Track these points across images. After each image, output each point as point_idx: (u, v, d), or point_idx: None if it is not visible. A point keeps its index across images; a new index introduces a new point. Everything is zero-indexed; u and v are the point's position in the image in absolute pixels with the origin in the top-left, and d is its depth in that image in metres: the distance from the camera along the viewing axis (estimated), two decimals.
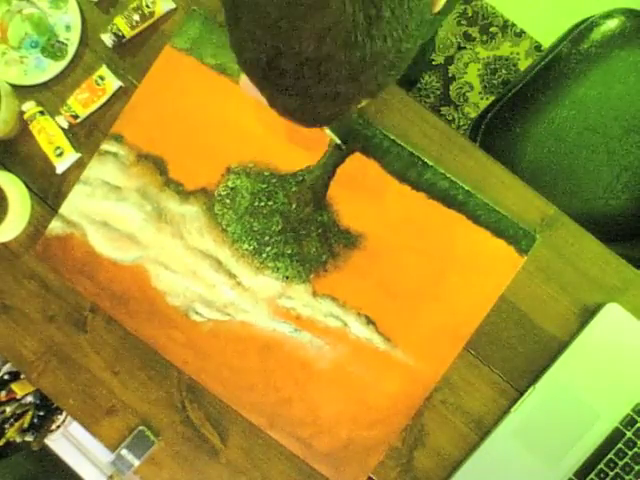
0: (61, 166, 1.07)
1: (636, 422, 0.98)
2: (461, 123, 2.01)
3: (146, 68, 1.06)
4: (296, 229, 1.03)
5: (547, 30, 1.35)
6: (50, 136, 1.06)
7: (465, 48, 2.10)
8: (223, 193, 1.04)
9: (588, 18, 1.27)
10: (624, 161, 1.26)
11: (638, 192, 1.27)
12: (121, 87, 1.07)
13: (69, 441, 1.46)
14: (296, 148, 1.02)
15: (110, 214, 1.06)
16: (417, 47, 0.55)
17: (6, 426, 1.36)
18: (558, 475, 0.99)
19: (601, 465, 0.98)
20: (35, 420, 1.40)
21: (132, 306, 1.06)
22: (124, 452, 1.08)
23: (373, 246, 1.01)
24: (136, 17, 1.04)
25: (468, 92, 2.05)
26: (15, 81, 1.08)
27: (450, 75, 2.11)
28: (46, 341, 1.10)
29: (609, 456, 0.98)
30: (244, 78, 0.93)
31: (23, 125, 1.08)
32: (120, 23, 1.04)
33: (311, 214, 1.02)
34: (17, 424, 1.36)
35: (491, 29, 2.01)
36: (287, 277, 1.03)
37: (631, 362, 0.99)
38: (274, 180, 1.03)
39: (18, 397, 1.38)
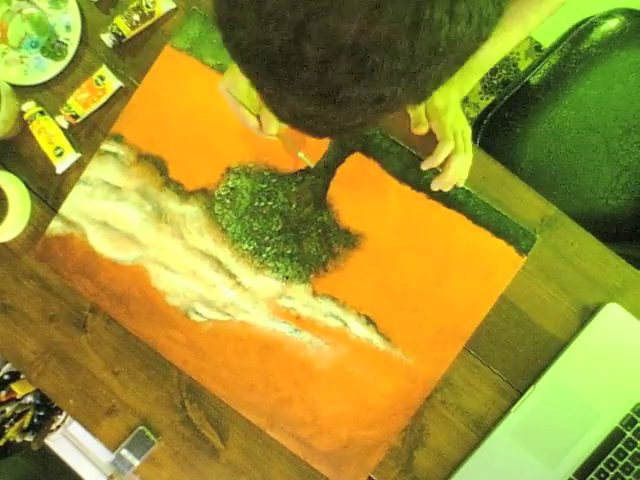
0: (61, 166, 1.07)
1: (636, 422, 0.98)
2: None
3: (146, 68, 1.06)
4: (296, 229, 1.03)
5: (547, 30, 1.35)
6: (50, 136, 1.06)
7: None
8: (223, 193, 1.04)
9: (588, 18, 1.27)
10: (624, 161, 1.26)
11: (638, 192, 1.27)
12: (121, 87, 1.07)
13: (69, 441, 1.47)
14: (296, 148, 1.02)
15: (110, 214, 1.06)
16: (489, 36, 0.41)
17: (6, 426, 1.36)
18: (558, 475, 0.99)
19: (601, 465, 0.98)
20: (35, 420, 1.41)
21: (132, 306, 1.06)
22: (124, 452, 1.08)
23: (373, 246, 1.01)
24: (136, 17, 1.04)
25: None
26: (15, 81, 1.08)
27: None
28: (46, 341, 1.10)
29: (609, 456, 0.98)
30: (228, 77, 0.89)
31: (23, 125, 1.08)
32: (120, 23, 1.04)
33: (311, 214, 1.02)
34: (17, 424, 1.36)
35: None
36: (287, 277, 1.03)
37: (631, 362, 0.99)
38: (274, 180, 1.03)
39: (18, 397, 1.38)
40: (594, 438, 0.99)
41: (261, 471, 1.07)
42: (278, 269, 1.03)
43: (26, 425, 1.38)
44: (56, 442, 1.45)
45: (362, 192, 1.01)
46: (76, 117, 1.06)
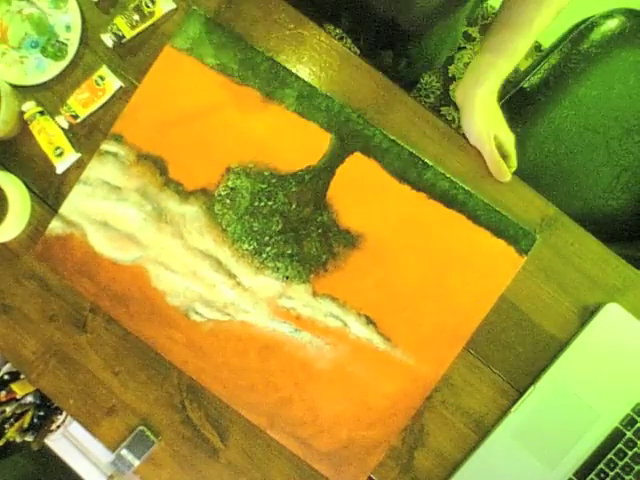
0: (61, 166, 1.07)
1: (636, 422, 0.98)
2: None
3: (146, 68, 1.06)
4: (296, 229, 1.03)
5: (547, 30, 1.35)
6: (50, 136, 1.06)
7: (465, 48, 2.10)
8: (223, 193, 1.04)
9: (588, 18, 1.28)
10: (624, 161, 1.26)
11: (638, 192, 1.27)
12: (121, 87, 1.07)
13: (69, 441, 1.47)
14: (296, 148, 1.03)
15: (110, 214, 1.06)
16: None
17: (6, 426, 1.36)
18: (558, 475, 0.99)
19: (601, 465, 0.98)
20: (35, 420, 1.41)
21: (132, 306, 1.06)
22: (124, 452, 1.08)
23: (373, 246, 1.01)
24: (136, 17, 1.04)
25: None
26: (15, 81, 1.08)
27: (450, 75, 2.12)
28: (46, 341, 1.10)
29: (609, 456, 0.98)
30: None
31: (23, 125, 1.08)
32: (120, 23, 1.04)
33: (311, 214, 1.02)
34: (17, 424, 1.36)
35: None
36: (287, 277, 1.03)
37: (631, 362, 0.99)
38: (274, 180, 1.03)
39: (18, 397, 1.38)
40: (594, 438, 0.99)
41: (261, 471, 1.07)
42: (278, 269, 1.03)
43: (26, 425, 1.39)
44: (56, 442, 1.45)
45: (362, 192, 1.01)
46: (76, 117, 1.06)
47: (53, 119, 1.07)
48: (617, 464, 0.98)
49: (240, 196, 1.04)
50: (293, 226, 1.03)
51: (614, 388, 0.99)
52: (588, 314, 1.00)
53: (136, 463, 1.08)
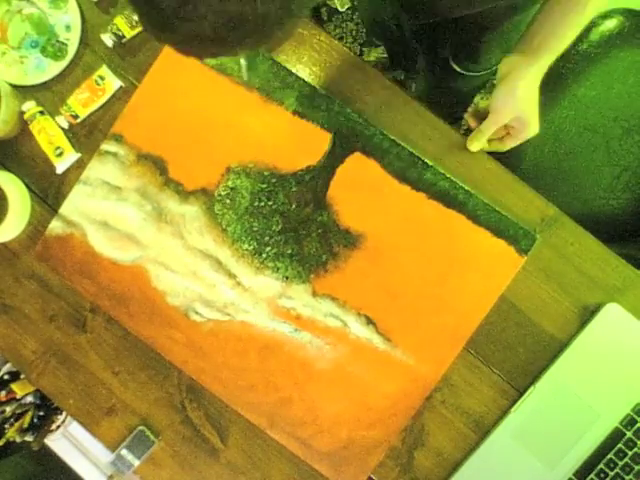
0: (61, 166, 1.07)
1: (636, 422, 0.98)
2: (461, 123, 2.01)
3: (146, 68, 1.06)
4: (296, 229, 1.03)
5: None
6: (50, 136, 1.07)
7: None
8: (223, 193, 1.04)
9: None
10: (624, 161, 1.26)
11: (638, 192, 1.27)
12: (121, 87, 1.07)
13: (69, 441, 1.47)
14: (296, 148, 1.03)
15: (110, 214, 1.06)
16: None
17: (6, 426, 1.36)
18: (558, 475, 0.99)
19: (601, 465, 0.98)
20: (35, 420, 1.41)
21: (132, 306, 1.06)
22: (124, 452, 1.08)
23: (373, 246, 1.01)
24: (136, 17, 1.04)
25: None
26: (15, 81, 1.08)
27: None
28: (46, 341, 1.10)
29: (609, 456, 0.98)
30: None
31: (23, 125, 1.08)
32: (120, 23, 1.04)
33: (311, 214, 1.02)
34: (17, 424, 1.36)
35: None
36: (287, 277, 1.03)
37: (631, 362, 0.99)
38: (274, 180, 1.03)
39: (18, 397, 1.38)
40: (594, 438, 0.99)
41: (261, 471, 1.07)
42: (278, 269, 1.03)
43: (26, 425, 1.38)
44: (56, 442, 1.45)
45: (362, 192, 1.01)
46: (76, 117, 1.06)
47: (53, 119, 1.08)
48: (617, 464, 0.98)
49: (240, 196, 1.04)
50: (293, 226, 1.03)
51: (614, 388, 0.99)
52: (588, 314, 1.00)
53: (136, 463, 1.08)
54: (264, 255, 1.03)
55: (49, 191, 1.09)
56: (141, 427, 1.08)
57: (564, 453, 0.99)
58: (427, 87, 1.69)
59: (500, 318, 1.01)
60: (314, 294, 1.03)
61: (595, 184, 1.26)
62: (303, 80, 1.03)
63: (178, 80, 1.05)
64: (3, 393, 1.37)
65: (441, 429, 1.03)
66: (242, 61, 0.92)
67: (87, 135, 1.08)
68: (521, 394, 1.00)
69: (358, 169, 1.01)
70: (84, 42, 1.08)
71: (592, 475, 0.98)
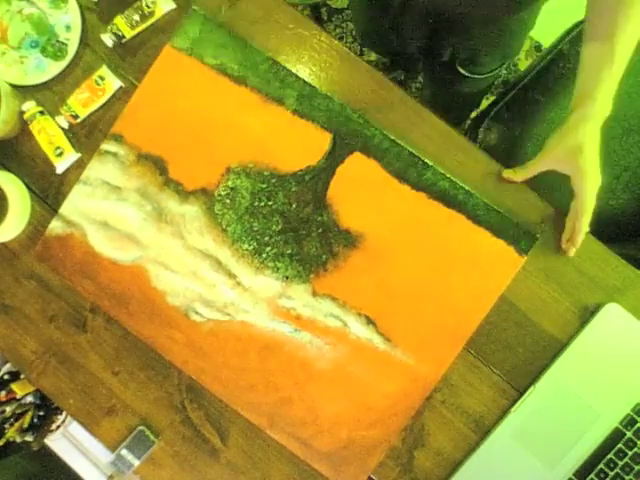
0: (61, 166, 1.07)
1: (636, 422, 0.98)
2: (464, 124, 2.01)
3: (146, 68, 1.06)
4: (296, 229, 1.03)
5: (547, 30, 1.35)
6: (50, 136, 1.07)
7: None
8: (223, 193, 1.04)
9: None
10: (624, 161, 1.26)
11: (638, 192, 1.27)
12: (121, 87, 1.07)
13: (69, 441, 1.47)
14: (296, 148, 1.03)
15: (110, 214, 1.06)
16: None
17: (6, 426, 1.36)
18: (558, 475, 0.99)
19: (601, 465, 0.98)
20: (35, 420, 1.41)
21: (132, 306, 1.06)
22: (124, 452, 1.08)
23: (373, 246, 1.01)
24: (136, 17, 1.04)
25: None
26: (15, 81, 1.08)
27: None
28: (46, 341, 1.10)
29: (609, 456, 0.98)
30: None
31: (23, 125, 1.08)
32: (120, 23, 1.04)
33: (311, 214, 1.02)
34: (17, 424, 1.36)
35: None
36: (287, 277, 1.03)
37: (631, 362, 0.99)
38: (274, 180, 1.03)
39: (18, 397, 1.38)
40: (594, 438, 0.99)
41: (261, 471, 1.07)
42: (278, 269, 1.03)
43: (26, 425, 1.38)
44: (56, 442, 1.45)
45: (362, 192, 1.02)
46: (76, 117, 1.06)
47: (53, 119, 1.08)
48: (617, 464, 0.98)
49: (240, 196, 1.04)
50: (293, 226, 1.03)
51: (614, 388, 0.99)
52: (588, 314, 1.00)
53: (136, 463, 1.08)
54: (264, 255, 1.03)
55: (49, 191, 1.09)
56: (141, 427, 1.08)
57: (564, 453, 0.99)
58: (431, 91, 1.68)
59: (500, 318, 1.01)
60: (314, 294, 1.03)
61: None
62: (303, 80, 1.03)
63: (178, 80, 1.05)
64: (3, 393, 1.37)
65: (441, 429, 1.03)
66: None
67: (87, 135, 1.08)
68: (521, 394, 1.00)
69: (358, 169, 1.01)
70: (84, 42, 1.08)
71: (592, 475, 0.98)
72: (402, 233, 1.01)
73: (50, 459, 1.44)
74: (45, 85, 1.08)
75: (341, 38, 2.27)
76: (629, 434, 0.98)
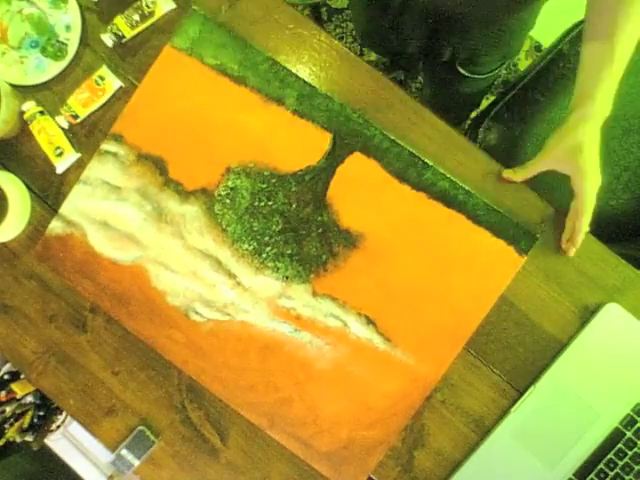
0: (61, 166, 1.07)
1: (636, 422, 0.98)
2: (465, 124, 2.01)
3: (146, 68, 1.06)
4: (296, 229, 1.03)
5: (547, 30, 1.35)
6: (50, 136, 1.07)
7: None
8: (223, 193, 1.04)
9: None
10: (624, 161, 1.26)
11: (638, 192, 1.27)
12: (121, 87, 1.07)
13: (69, 441, 1.47)
14: (296, 148, 1.03)
15: (110, 214, 1.06)
16: None
17: (6, 426, 1.36)
18: (558, 475, 0.99)
19: (601, 465, 0.98)
20: (35, 420, 1.40)
21: (132, 306, 1.06)
22: (124, 452, 1.08)
23: (373, 246, 1.01)
24: (136, 17, 1.04)
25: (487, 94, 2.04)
26: (15, 81, 1.08)
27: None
28: (46, 341, 1.10)
29: (609, 456, 0.98)
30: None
31: (23, 125, 1.08)
32: (120, 23, 1.04)
33: (311, 214, 1.02)
34: (17, 424, 1.36)
35: None
36: (287, 277, 1.03)
37: (631, 362, 0.99)
38: (274, 180, 1.03)
39: (18, 397, 1.38)
40: (594, 438, 0.99)
41: (261, 471, 1.07)
42: (278, 269, 1.03)
43: (26, 425, 1.38)
44: (56, 442, 1.45)
45: (362, 192, 1.02)
46: (76, 117, 1.06)
47: (53, 119, 1.08)
48: (617, 464, 0.98)
49: (240, 196, 1.04)
50: (293, 226, 1.03)
51: (614, 388, 0.99)
52: (588, 314, 1.00)
53: (136, 463, 1.08)
54: (264, 255, 1.03)
55: (49, 191, 1.09)
56: (141, 427, 1.08)
57: (564, 453, 0.99)
58: (432, 91, 1.68)
59: (500, 318, 1.01)
60: (314, 294, 1.03)
61: None
62: (303, 80, 1.03)
63: (178, 80, 1.05)
64: (3, 393, 1.37)
65: (441, 429, 1.03)
66: None
67: (87, 135, 1.08)
68: (521, 394, 1.00)
69: (358, 169, 1.01)
70: (84, 42, 1.08)
71: (592, 475, 0.98)
72: (402, 233, 1.01)
73: (50, 459, 1.44)
74: (45, 85, 1.08)
75: (341, 38, 2.27)
76: (629, 434, 0.98)
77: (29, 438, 1.38)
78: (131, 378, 1.09)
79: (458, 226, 1.00)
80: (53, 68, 1.07)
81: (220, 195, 1.04)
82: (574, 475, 0.99)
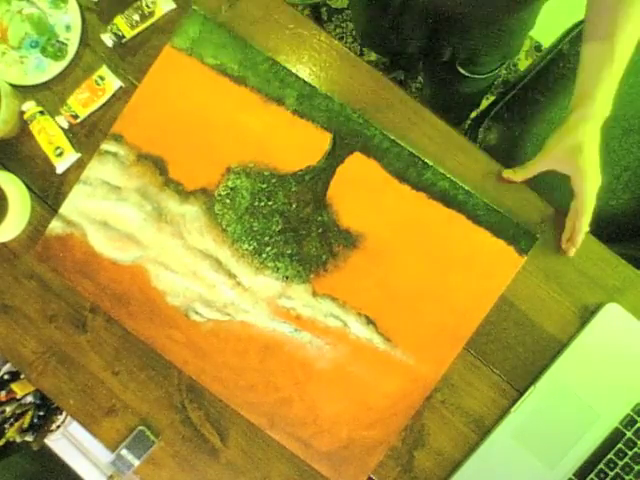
0: (61, 166, 1.07)
1: (636, 422, 0.98)
2: (464, 124, 2.01)
3: (146, 68, 1.06)
4: (296, 229, 1.03)
5: (547, 30, 1.35)
6: (50, 136, 1.07)
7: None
8: (223, 193, 1.04)
9: None
10: (624, 161, 1.26)
11: (638, 192, 1.27)
12: (121, 87, 1.07)
13: (69, 441, 1.47)
14: (296, 148, 1.03)
15: (110, 214, 1.06)
16: None
17: (6, 426, 1.35)
18: (558, 475, 0.99)
19: (601, 465, 0.98)
20: (35, 420, 1.40)
21: (132, 306, 1.06)
22: (124, 452, 1.08)
23: (373, 246, 1.02)
24: (136, 17, 1.04)
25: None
26: (15, 81, 1.08)
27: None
28: (46, 341, 1.10)
29: (609, 456, 0.98)
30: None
31: (23, 125, 1.08)
32: (120, 23, 1.04)
33: (311, 214, 1.02)
34: (17, 424, 1.36)
35: None
36: (287, 277, 1.03)
37: (631, 362, 0.99)
38: (274, 180, 1.03)
39: (18, 397, 1.38)
40: (594, 438, 0.99)
41: (261, 471, 1.07)
42: (278, 269, 1.03)
43: (26, 425, 1.38)
44: (56, 442, 1.45)
45: (362, 192, 1.02)
46: (76, 117, 1.06)
47: (53, 119, 1.08)
48: (617, 464, 0.98)
49: (240, 196, 1.04)
50: (293, 226, 1.03)
51: (614, 388, 0.99)
52: (588, 314, 1.00)
53: (136, 463, 1.08)
54: (264, 255, 1.03)
55: (49, 191, 1.09)
56: (141, 427, 1.08)
57: (564, 453, 0.99)
58: (432, 91, 1.68)
59: (500, 318, 1.01)
60: (314, 294, 1.03)
61: None
62: (303, 80, 1.03)
63: (178, 80, 1.05)
64: (3, 393, 1.37)
65: (441, 429, 1.03)
66: None
67: (87, 135, 1.08)
68: (521, 394, 1.00)
69: (358, 169, 1.01)
70: (84, 42, 1.08)
71: (592, 475, 0.98)
72: (402, 233, 1.01)
73: (50, 459, 1.44)
74: (45, 85, 1.08)
75: (341, 38, 2.27)
76: (629, 434, 0.98)
77: (29, 438, 1.38)
78: (131, 378, 1.09)
79: (458, 226, 1.00)
80: (53, 68, 1.07)
81: (220, 195, 1.04)
82: (574, 475, 0.99)
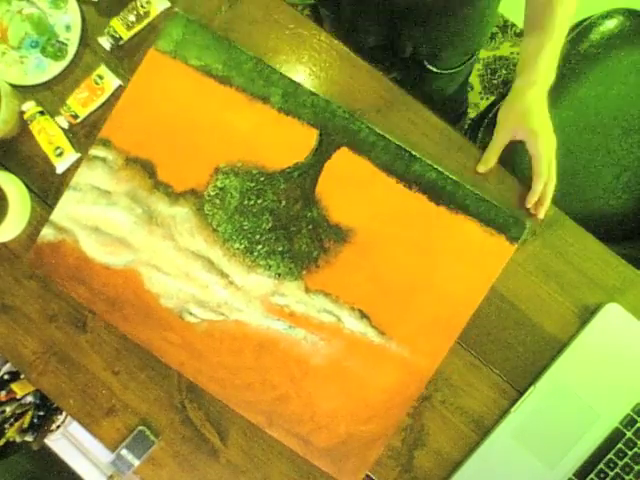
0: (61, 166, 1.08)
1: (636, 422, 0.97)
2: (461, 124, 2.01)
3: None
4: (286, 226, 1.03)
5: None
6: (50, 136, 1.07)
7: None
8: (212, 193, 1.04)
9: (587, 18, 1.27)
10: (624, 161, 1.26)
11: (638, 192, 1.26)
12: (120, 86, 1.07)
13: (69, 441, 1.47)
14: (283, 145, 1.03)
15: (101, 219, 1.07)
16: None
17: (6, 426, 1.36)
18: (558, 475, 0.99)
19: (601, 465, 0.98)
20: (35, 420, 1.41)
21: (126, 310, 1.06)
22: (124, 452, 1.08)
23: (363, 240, 1.02)
24: (132, 18, 1.04)
25: (468, 92, 2.05)
26: (15, 81, 1.08)
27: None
28: (46, 341, 1.10)
29: (609, 456, 0.98)
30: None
31: (23, 125, 1.09)
32: (116, 25, 1.04)
33: (301, 210, 1.02)
34: (17, 424, 1.36)
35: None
36: (279, 274, 1.03)
37: (631, 362, 0.99)
38: (262, 178, 1.03)
39: (18, 397, 1.38)
40: (594, 438, 0.99)
41: (261, 471, 1.07)
42: (270, 267, 1.03)
43: (26, 425, 1.38)
44: (56, 442, 1.45)
45: (350, 186, 1.02)
46: (76, 117, 1.07)
47: (53, 119, 1.08)
48: (617, 464, 0.98)
49: (229, 195, 1.04)
50: (283, 223, 1.03)
51: (614, 388, 0.99)
52: (588, 314, 1.00)
53: (136, 463, 1.08)
54: (255, 253, 1.04)
55: (49, 191, 1.10)
56: (141, 427, 1.08)
57: (564, 453, 0.99)
58: (407, 92, 1.70)
59: (500, 318, 1.01)
60: (307, 290, 1.03)
61: (595, 184, 1.26)
62: (288, 78, 1.03)
63: (163, 83, 1.05)
64: (3, 393, 1.37)
65: (441, 429, 1.03)
66: None
67: (87, 135, 1.09)
68: (521, 394, 1.00)
69: (345, 164, 1.02)
70: (84, 42, 1.08)
71: (592, 475, 0.98)
72: (392, 226, 1.01)
73: (50, 459, 1.44)
74: (45, 85, 1.09)
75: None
76: (629, 434, 0.98)
77: (29, 438, 1.38)
78: (131, 378, 1.09)
79: (447, 217, 1.01)
80: (53, 68, 1.07)
81: (209, 195, 1.04)
82: (574, 475, 0.98)
